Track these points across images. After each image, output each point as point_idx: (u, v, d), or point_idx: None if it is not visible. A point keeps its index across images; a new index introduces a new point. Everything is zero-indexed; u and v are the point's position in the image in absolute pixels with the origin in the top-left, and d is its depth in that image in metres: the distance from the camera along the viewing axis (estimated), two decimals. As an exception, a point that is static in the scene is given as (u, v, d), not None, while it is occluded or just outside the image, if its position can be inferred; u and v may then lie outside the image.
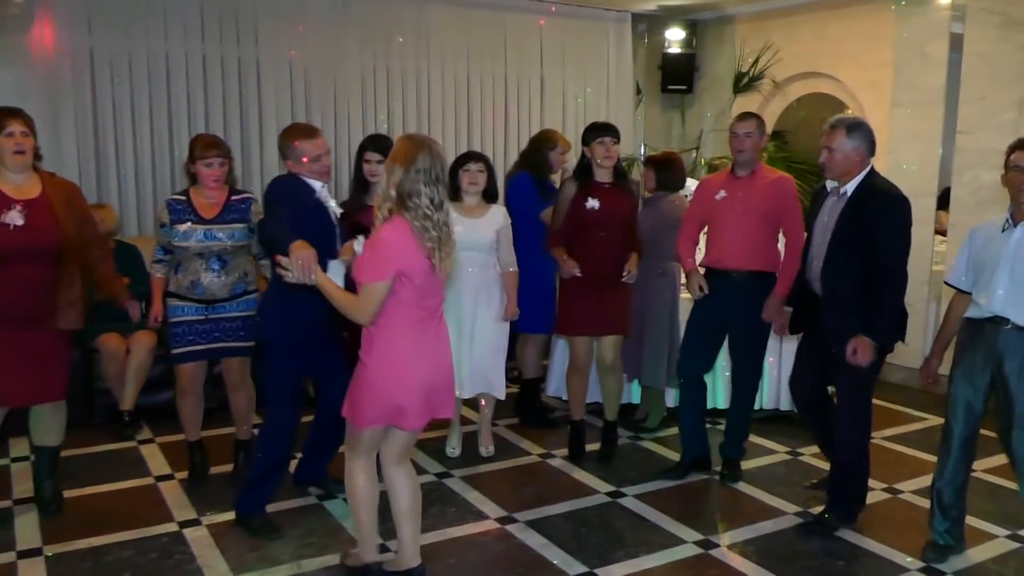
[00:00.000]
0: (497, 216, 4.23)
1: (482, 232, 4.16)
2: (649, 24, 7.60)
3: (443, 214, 2.83)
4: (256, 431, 4.00)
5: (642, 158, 6.79)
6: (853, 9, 6.40)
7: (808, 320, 3.70)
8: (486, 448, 4.50)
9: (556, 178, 5.00)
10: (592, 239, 4.19)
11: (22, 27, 5.29)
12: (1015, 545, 3.59)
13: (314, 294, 2.93)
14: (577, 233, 4.22)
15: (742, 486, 4.16)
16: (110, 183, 5.65)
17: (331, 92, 6.26)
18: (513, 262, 4.28)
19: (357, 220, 3.66)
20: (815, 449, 4.40)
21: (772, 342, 4.46)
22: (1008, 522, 3.77)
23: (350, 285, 2.98)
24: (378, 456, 3.09)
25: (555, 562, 3.37)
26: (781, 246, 4.08)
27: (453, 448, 4.52)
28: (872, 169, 3.50)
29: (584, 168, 4.27)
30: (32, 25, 5.33)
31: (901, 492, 4.11)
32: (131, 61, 5.61)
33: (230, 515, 3.68)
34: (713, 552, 3.49)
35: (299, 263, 2.82)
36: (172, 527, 3.63)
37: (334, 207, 3.51)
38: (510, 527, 3.68)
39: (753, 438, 4.54)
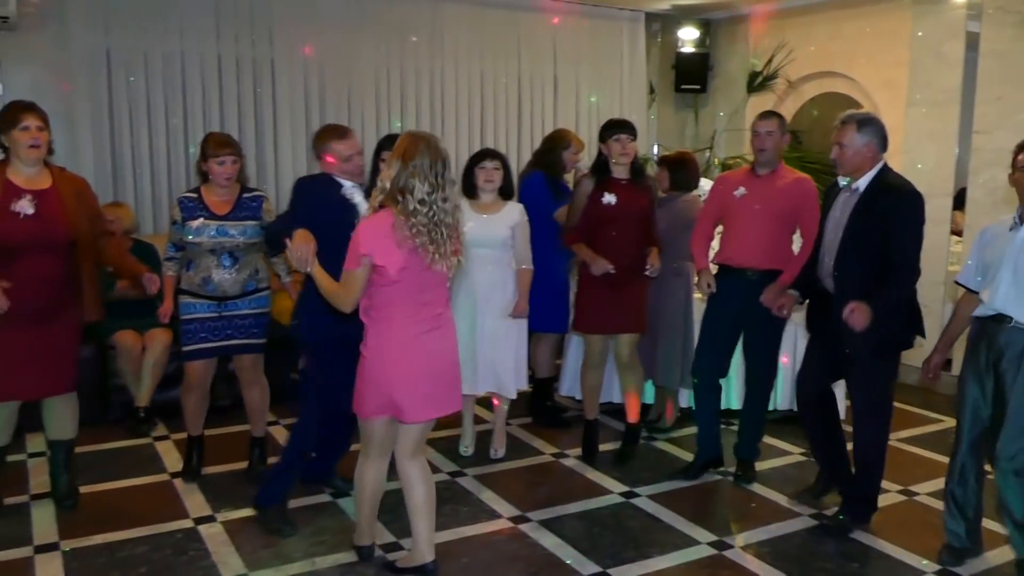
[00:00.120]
0: (513, 213, 4.22)
1: (496, 229, 4.16)
2: (663, 23, 7.59)
3: (441, 212, 2.84)
4: (270, 428, 4.01)
5: (655, 158, 6.79)
6: (868, 8, 6.37)
7: (819, 318, 3.69)
8: (495, 450, 4.48)
9: (569, 178, 5.00)
10: (608, 235, 4.18)
11: (39, 27, 5.33)
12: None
13: None
14: (594, 229, 4.21)
15: (756, 487, 4.15)
16: (126, 182, 5.68)
17: (345, 91, 6.28)
18: (528, 260, 4.27)
19: None
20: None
21: (786, 341, 4.45)
22: (1025, 525, 3.74)
23: None
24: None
25: (568, 562, 3.37)
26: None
27: (466, 447, 4.52)
28: (885, 165, 3.48)
29: (601, 165, 4.27)
30: (49, 25, 5.37)
31: (917, 494, 4.09)
32: (147, 61, 5.64)
33: (245, 512, 3.71)
34: (727, 553, 3.48)
35: (296, 253, 2.95)
36: (187, 523, 3.65)
37: (363, 204, 3.52)
38: (523, 526, 3.68)
39: (767, 439, 4.53)
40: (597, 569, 3.31)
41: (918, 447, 4.74)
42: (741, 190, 4.04)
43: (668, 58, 7.65)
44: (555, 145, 4.91)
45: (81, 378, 3.82)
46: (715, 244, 4.31)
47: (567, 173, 4.96)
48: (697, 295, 4.45)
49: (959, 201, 5.90)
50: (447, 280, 3.01)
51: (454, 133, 6.68)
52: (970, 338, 3.36)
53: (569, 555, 3.42)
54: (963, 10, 5.69)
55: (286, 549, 3.42)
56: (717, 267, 4.16)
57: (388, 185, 2.84)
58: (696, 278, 4.25)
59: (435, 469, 4.23)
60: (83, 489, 3.90)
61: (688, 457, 4.41)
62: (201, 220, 3.80)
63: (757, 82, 7.06)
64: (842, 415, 4.01)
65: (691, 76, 7.59)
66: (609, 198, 4.17)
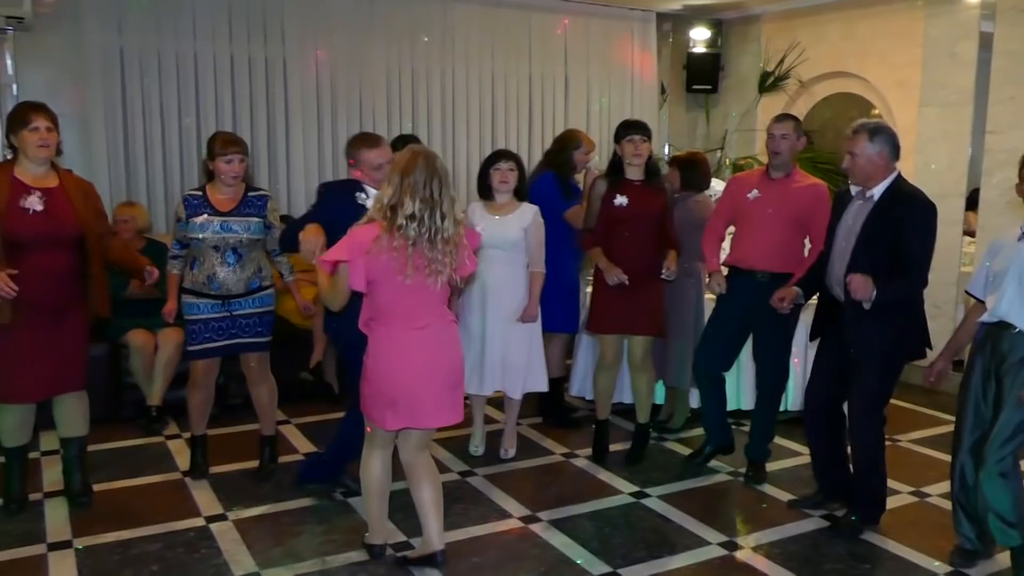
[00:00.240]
0: (526, 214, 4.22)
1: (508, 230, 4.17)
2: (674, 23, 7.58)
3: (435, 228, 2.86)
4: (280, 427, 4.02)
5: (667, 158, 6.78)
6: (881, 8, 6.34)
7: (827, 326, 3.67)
8: (505, 451, 4.48)
9: (580, 178, 5.00)
10: (621, 236, 4.17)
11: (53, 27, 5.37)
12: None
13: None
14: (608, 231, 4.21)
15: (767, 488, 4.14)
16: (139, 182, 5.72)
17: (357, 91, 6.30)
18: (540, 262, 4.26)
19: None
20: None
21: (797, 343, 4.43)
22: (1038, 527, 3.72)
23: None
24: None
25: (579, 562, 3.37)
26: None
27: (477, 447, 4.52)
28: (900, 175, 3.47)
29: (615, 166, 4.27)
30: (63, 25, 5.41)
31: (928, 496, 4.07)
32: (160, 61, 5.68)
33: (256, 510, 3.73)
34: (737, 554, 3.48)
35: (306, 245, 3.14)
36: (199, 522, 3.67)
37: None
38: (533, 526, 3.69)
39: (778, 440, 4.51)
40: (607, 569, 3.31)
41: (929, 448, 4.71)
42: (755, 192, 4.03)
43: (679, 58, 7.63)
44: (566, 145, 4.91)
45: (94, 377, 3.85)
46: (725, 246, 4.31)
47: (578, 173, 4.96)
48: (710, 296, 4.44)
49: (972, 202, 5.87)
50: (445, 297, 3.05)
51: (465, 133, 6.70)
52: (975, 342, 3.38)
53: (579, 555, 3.42)
54: (976, 10, 5.66)
55: (297, 548, 3.44)
56: (728, 268, 4.15)
57: (385, 200, 2.89)
58: (707, 279, 4.25)
59: (445, 469, 4.26)
60: (96, 487, 3.92)
61: (699, 459, 4.42)
62: (205, 216, 3.83)
63: (769, 82, 7.04)
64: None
65: (702, 76, 7.57)
66: (621, 200, 4.16)
